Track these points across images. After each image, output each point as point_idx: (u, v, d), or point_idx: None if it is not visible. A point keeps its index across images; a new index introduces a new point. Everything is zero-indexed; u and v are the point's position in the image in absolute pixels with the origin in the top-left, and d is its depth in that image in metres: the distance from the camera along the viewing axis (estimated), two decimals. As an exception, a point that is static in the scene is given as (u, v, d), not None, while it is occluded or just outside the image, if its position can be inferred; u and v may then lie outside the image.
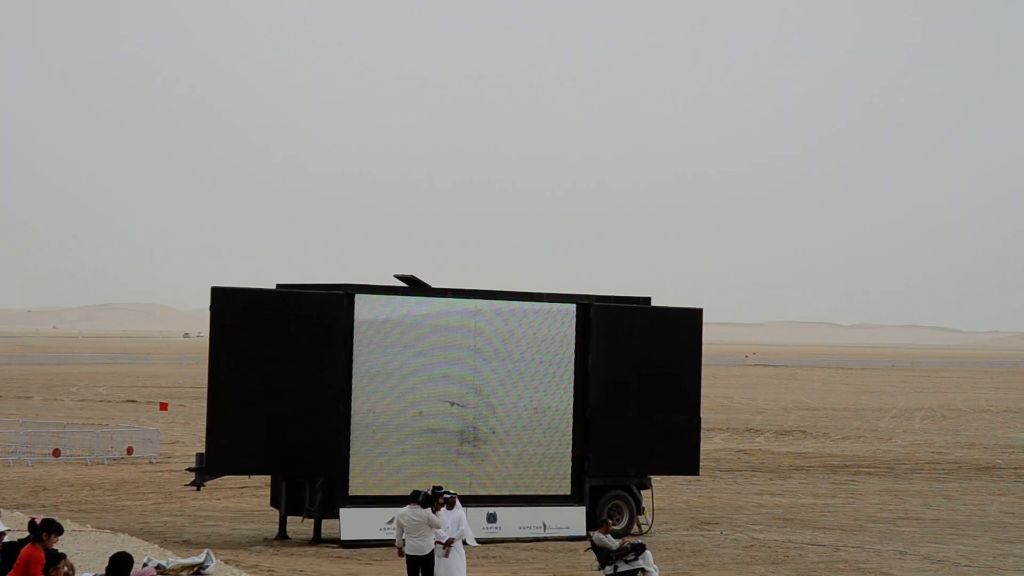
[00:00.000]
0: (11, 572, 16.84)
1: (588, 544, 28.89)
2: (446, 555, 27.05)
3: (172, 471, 52.02)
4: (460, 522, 27.97)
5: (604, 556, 27.34)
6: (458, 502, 28.08)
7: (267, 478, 40.14)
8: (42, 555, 17.17)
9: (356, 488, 35.75)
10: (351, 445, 35.80)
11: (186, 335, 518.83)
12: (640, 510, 38.74)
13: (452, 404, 36.89)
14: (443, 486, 28.82)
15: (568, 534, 37.04)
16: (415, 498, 26.65)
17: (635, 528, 38.22)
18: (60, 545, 22.94)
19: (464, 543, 27.94)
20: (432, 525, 26.55)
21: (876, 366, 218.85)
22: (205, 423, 36.00)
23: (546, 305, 37.93)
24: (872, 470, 57.52)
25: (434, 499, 26.84)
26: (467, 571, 28.22)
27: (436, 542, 26.86)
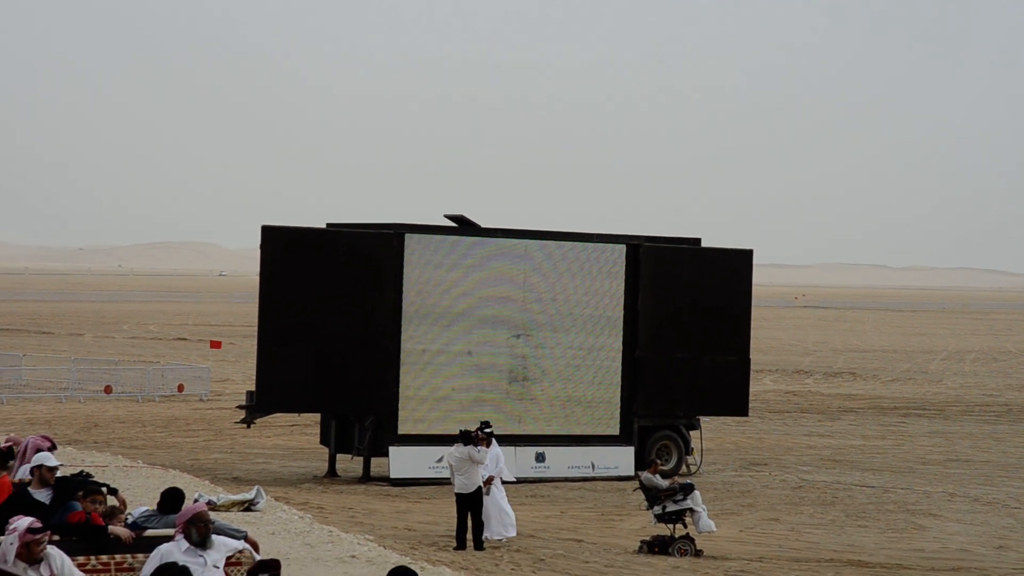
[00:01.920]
0: None
1: (637, 484, 28.91)
2: (486, 493, 27.13)
3: (222, 408, 52.32)
4: (498, 459, 28.06)
5: (653, 496, 27.36)
6: (495, 440, 28.11)
7: (316, 416, 40.31)
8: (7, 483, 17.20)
9: (405, 427, 35.87)
10: (400, 384, 35.89)
11: (221, 273, 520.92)
12: (689, 450, 38.74)
13: (517, 336, 36.90)
14: (490, 422, 28.86)
15: (617, 474, 37.08)
16: (460, 436, 26.83)
17: (684, 468, 38.23)
18: (113, 480, 23.12)
19: (503, 480, 28.04)
20: (474, 461, 26.65)
21: (927, 308, 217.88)
22: (255, 361, 36.15)
23: (596, 245, 37.85)
24: (922, 412, 57.34)
25: (475, 435, 26.92)
26: (515, 509, 28.34)
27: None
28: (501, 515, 27.55)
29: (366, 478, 35.90)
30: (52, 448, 18.70)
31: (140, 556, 14.52)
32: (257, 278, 36.28)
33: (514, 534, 27.61)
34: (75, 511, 16.26)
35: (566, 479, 36.71)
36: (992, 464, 41.49)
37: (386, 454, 35.65)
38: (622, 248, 38.09)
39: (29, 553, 13.01)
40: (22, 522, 13.15)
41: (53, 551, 13.39)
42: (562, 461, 37.01)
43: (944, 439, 47.93)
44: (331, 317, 35.43)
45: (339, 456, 36.86)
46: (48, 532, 12.95)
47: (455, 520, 26.87)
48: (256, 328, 36.18)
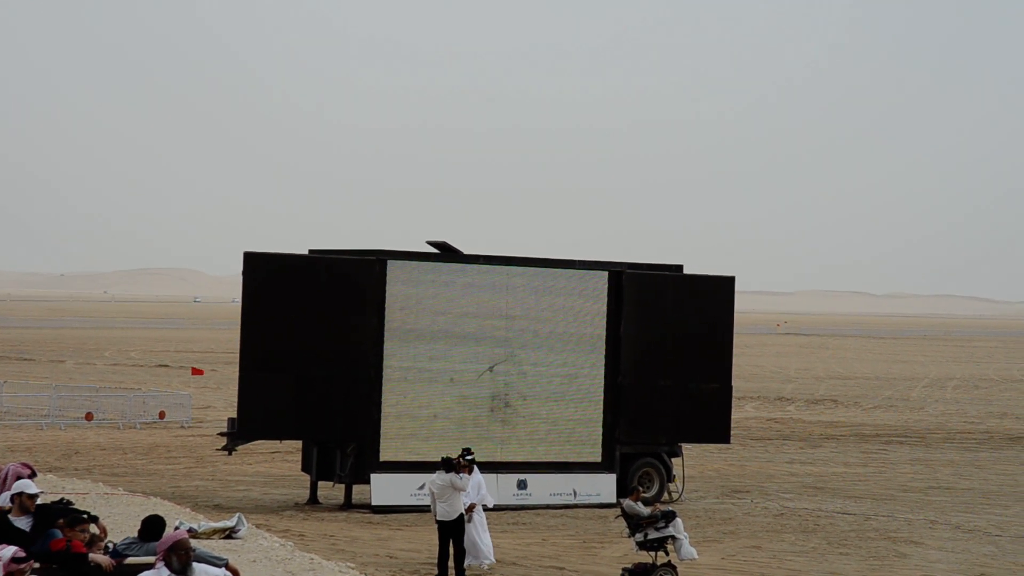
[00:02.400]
0: None
1: (618, 511, 28.88)
2: (468, 520, 27.13)
3: (204, 436, 52.21)
4: (480, 486, 28.07)
5: (634, 523, 27.34)
6: (476, 467, 28.10)
7: (298, 443, 40.27)
8: None
9: (387, 454, 35.83)
10: (382, 411, 35.86)
11: (196, 300, 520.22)
12: (671, 478, 38.74)
13: (490, 368, 36.91)
14: (472, 449, 28.85)
15: (598, 501, 37.06)
16: (442, 464, 26.83)
17: (665, 496, 38.23)
18: (93, 507, 23.09)
19: (484, 507, 28.02)
20: (456, 488, 26.63)
21: (908, 335, 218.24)
22: (237, 388, 36.11)
23: (578, 272, 37.90)
24: (903, 439, 57.40)
25: (457, 462, 26.91)
26: (495, 537, 28.30)
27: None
28: (483, 542, 27.53)
29: (348, 505, 35.84)
30: (32, 475, 18.65)
31: (120, 584, 14.47)
32: (234, 305, 36.22)
33: (492, 560, 27.60)
34: (56, 539, 16.21)
35: (548, 506, 36.67)
36: (974, 492, 41.53)
37: (368, 481, 35.59)
38: (604, 275, 38.14)
39: None
40: (5, 551, 13.11)
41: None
42: (544, 488, 36.98)
43: (926, 466, 47.97)
44: (313, 344, 35.39)
45: (321, 483, 36.80)
46: (31, 561, 12.91)
47: (437, 548, 26.83)
48: (238, 355, 36.13)
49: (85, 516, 17.31)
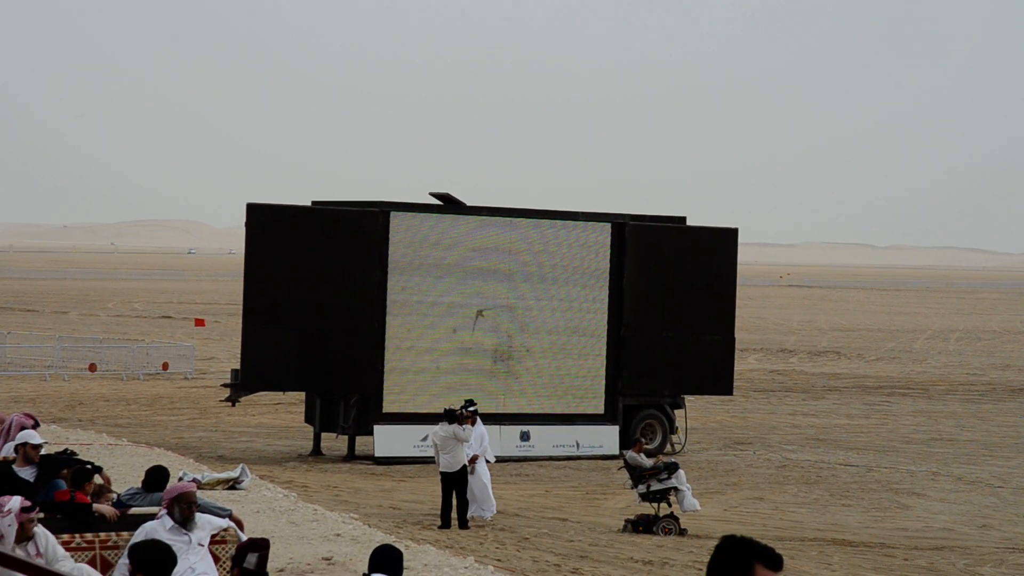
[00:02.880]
0: None
1: (621, 463, 28.96)
2: (471, 471, 27.20)
3: (207, 387, 52.26)
4: (483, 438, 28.13)
5: (637, 475, 27.41)
6: (479, 418, 28.16)
7: (301, 395, 40.32)
8: None
9: (390, 405, 35.87)
10: (385, 362, 35.89)
11: (191, 251, 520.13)
12: (673, 429, 38.80)
13: (479, 312, 36.85)
14: (475, 401, 28.92)
15: (601, 453, 37.12)
16: (445, 415, 26.88)
17: (668, 447, 38.29)
18: (97, 458, 23.11)
19: (486, 460, 28.08)
20: (459, 439, 26.68)
21: (911, 287, 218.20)
22: (240, 339, 36.12)
23: (581, 224, 37.86)
24: (906, 391, 57.45)
25: (460, 413, 26.95)
26: (499, 488, 28.39)
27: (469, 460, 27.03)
28: (485, 493, 27.61)
29: (351, 457, 35.91)
30: (36, 426, 18.69)
31: (125, 534, 14.49)
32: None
33: (494, 512, 27.69)
34: (60, 489, 16.25)
35: (551, 458, 36.74)
36: (976, 443, 41.59)
37: (371, 433, 35.65)
38: (607, 227, 38.10)
39: (22, 532, 12.97)
40: (14, 502, 13.11)
41: (39, 529, 13.38)
42: (547, 440, 37.05)
43: (928, 418, 48.03)
44: (316, 295, 35.39)
45: (324, 435, 36.87)
46: (37, 510, 12.91)
47: (440, 499, 26.90)
48: (241, 306, 36.14)
49: (89, 467, 17.34)
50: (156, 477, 17.49)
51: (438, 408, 30.31)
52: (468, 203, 37.69)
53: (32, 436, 17.32)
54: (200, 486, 25.57)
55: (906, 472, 35.42)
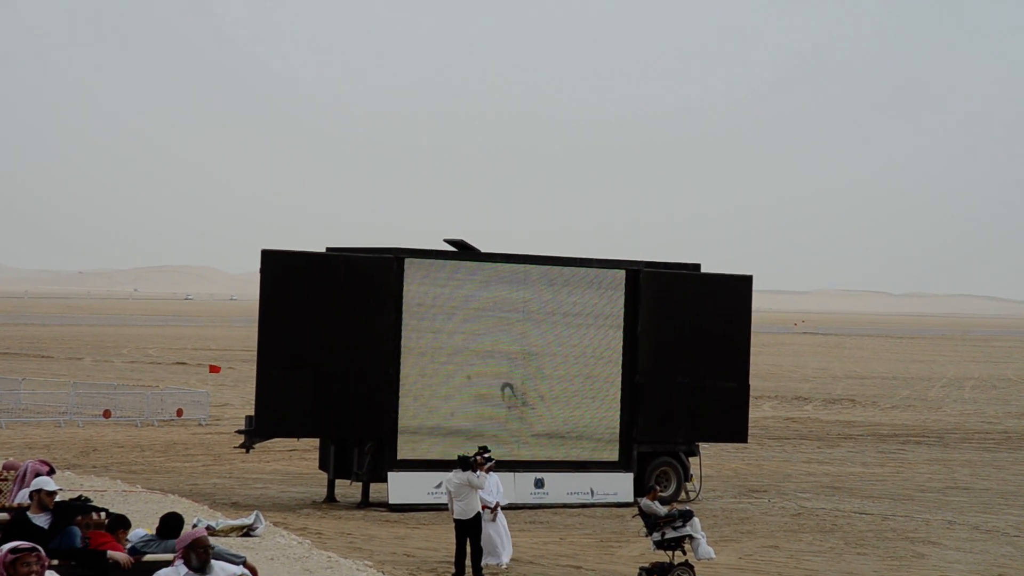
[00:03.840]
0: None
1: (635, 510, 28.86)
2: (492, 519, 27.15)
3: (221, 433, 52.27)
4: (497, 486, 28.09)
5: (651, 522, 27.31)
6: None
7: (316, 441, 40.29)
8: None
9: (404, 452, 35.84)
10: (399, 409, 35.87)
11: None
12: (688, 477, 38.70)
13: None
14: (489, 447, 28.87)
15: (616, 500, 37.03)
16: (459, 462, 26.82)
17: (683, 495, 38.19)
18: (111, 504, 23.10)
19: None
20: (473, 486, 26.62)
21: (926, 335, 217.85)
22: (255, 385, 36.13)
23: (595, 271, 37.87)
24: (921, 439, 57.29)
25: (474, 460, 26.90)
26: (513, 536, 28.30)
27: (483, 506, 26.95)
28: (504, 539, 27.56)
29: (365, 503, 35.86)
30: (51, 472, 18.68)
31: (139, 581, 14.48)
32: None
33: (509, 560, 27.62)
34: (76, 536, 16.31)
35: (565, 505, 36.66)
36: (992, 492, 41.43)
37: (385, 479, 35.61)
38: (622, 274, 38.11)
39: (16, 575, 12.78)
40: (6, 545, 12.98)
41: (52, 576, 13.31)
42: (561, 487, 36.97)
43: (944, 466, 47.88)
44: (331, 341, 35.42)
45: (338, 481, 36.82)
46: (38, 553, 12.73)
47: (454, 546, 26.83)
48: (255, 352, 36.17)
49: (103, 512, 17.39)
50: (170, 524, 17.49)
51: (452, 455, 30.26)
52: (482, 250, 37.73)
53: (47, 483, 17.32)
54: (214, 533, 25.55)
55: (922, 521, 35.29)
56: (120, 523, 17.26)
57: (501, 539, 27.53)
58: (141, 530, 18.49)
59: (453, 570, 26.46)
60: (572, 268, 37.72)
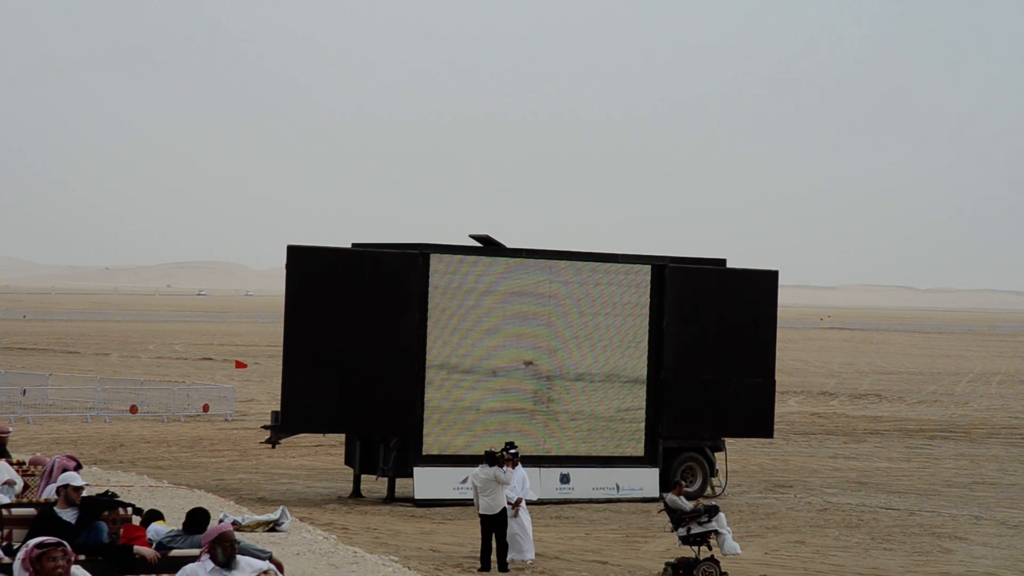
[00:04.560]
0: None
1: (661, 506, 28.84)
2: (515, 515, 27.15)
3: (247, 429, 52.38)
4: (524, 481, 28.10)
5: (677, 518, 27.30)
6: (519, 461, 28.11)
7: (341, 437, 40.35)
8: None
9: (430, 447, 35.87)
10: (425, 404, 35.90)
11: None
12: (714, 472, 38.67)
13: (527, 363, 36.90)
14: (515, 443, 28.90)
15: (641, 495, 37.02)
16: (486, 457, 26.83)
17: (708, 490, 38.16)
18: (138, 499, 23.19)
19: (527, 501, 28.01)
20: (500, 482, 26.62)
21: (953, 330, 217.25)
22: (280, 381, 36.20)
23: (621, 266, 37.85)
24: (948, 434, 57.14)
25: (500, 456, 26.91)
26: (538, 531, 28.31)
27: (508, 502, 26.97)
28: (526, 536, 27.56)
29: (391, 499, 35.90)
30: (77, 468, 18.75)
31: (165, 576, 14.53)
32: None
33: (533, 555, 27.63)
34: (103, 531, 16.40)
35: (591, 500, 36.66)
36: (1019, 487, 41.31)
37: (411, 475, 35.64)
38: (647, 269, 38.07)
39: (43, 570, 12.80)
40: (32, 540, 13.02)
41: (79, 571, 13.37)
42: (587, 482, 36.97)
43: (970, 462, 47.75)
44: (356, 337, 35.46)
45: (364, 476, 36.87)
46: (64, 548, 12.74)
47: (479, 541, 26.85)
48: (281, 348, 36.24)
49: (130, 508, 17.47)
50: (197, 519, 17.55)
51: (478, 450, 30.27)
52: (507, 245, 37.72)
53: (74, 478, 17.39)
54: (240, 528, 25.63)
55: (948, 516, 35.20)
56: (153, 518, 17.41)
57: (525, 534, 27.53)
58: (162, 527, 18.54)
59: (479, 565, 26.49)
60: (598, 263, 37.70)
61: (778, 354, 40.81)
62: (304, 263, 35.45)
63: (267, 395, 66.27)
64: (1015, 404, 73.85)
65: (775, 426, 40.67)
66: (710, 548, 27.01)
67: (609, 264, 37.79)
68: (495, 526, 26.58)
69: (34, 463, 22.47)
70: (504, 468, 26.74)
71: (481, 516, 26.75)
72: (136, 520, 18.10)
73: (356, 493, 36.63)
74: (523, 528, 27.48)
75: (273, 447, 38.90)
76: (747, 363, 38.97)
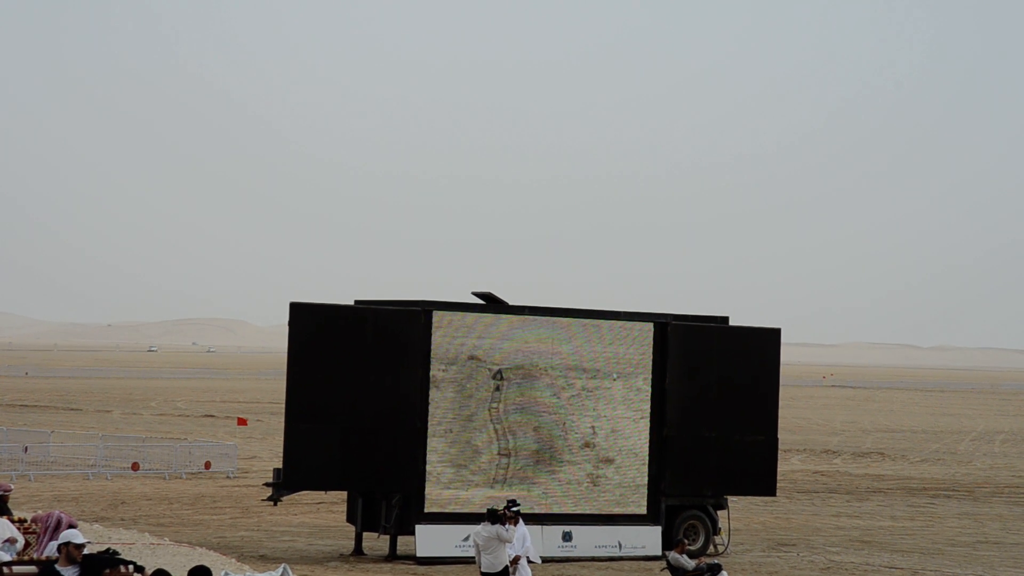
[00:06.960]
0: None
1: (664, 564, 28.79)
2: (513, 572, 27.08)
3: (249, 486, 52.30)
4: (524, 538, 28.03)
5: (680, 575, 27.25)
6: (521, 519, 28.08)
7: (343, 494, 40.28)
8: None
9: (432, 505, 35.81)
10: (427, 462, 35.86)
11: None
12: (716, 530, 38.57)
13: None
14: (517, 501, 28.85)
15: (644, 554, 36.92)
16: (488, 515, 26.80)
17: (711, 549, 38.06)
18: (139, 557, 23.10)
19: (528, 560, 27.96)
20: (502, 540, 26.59)
21: (956, 388, 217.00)
22: (283, 438, 36.17)
23: (623, 323, 37.87)
24: (951, 493, 57.02)
25: (503, 514, 26.88)
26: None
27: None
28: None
29: (392, 556, 35.81)
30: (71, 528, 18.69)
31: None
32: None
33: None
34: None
35: (593, 559, 36.57)
36: (1022, 547, 41.19)
37: (413, 532, 35.57)
38: (650, 326, 38.09)
39: None
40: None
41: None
42: (589, 540, 36.88)
43: (974, 521, 47.63)
44: (359, 394, 35.46)
45: (365, 534, 36.79)
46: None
47: (482, 599, 26.77)
48: (284, 405, 36.24)
49: (131, 566, 17.40)
50: (198, 576, 17.48)
51: (480, 508, 30.22)
52: (510, 302, 37.76)
53: (75, 535, 17.36)
54: (242, 586, 25.53)
55: (952, 575, 35.08)
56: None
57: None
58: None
59: (481, 624, 26.40)
60: (600, 320, 37.73)
61: (781, 412, 40.81)
62: (307, 320, 35.49)
63: (269, 452, 66.18)
64: (1019, 463, 73.70)
65: (778, 484, 40.60)
66: (713, 607, 26.93)
67: (611, 321, 37.80)
68: (497, 584, 26.50)
69: (35, 521, 22.44)
70: (506, 526, 26.70)
71: (483, 574, 26.69)
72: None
73: (358, 551, 36.54)
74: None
75: (275, 504, 38.84)
76: (750, 421, 38.94)
